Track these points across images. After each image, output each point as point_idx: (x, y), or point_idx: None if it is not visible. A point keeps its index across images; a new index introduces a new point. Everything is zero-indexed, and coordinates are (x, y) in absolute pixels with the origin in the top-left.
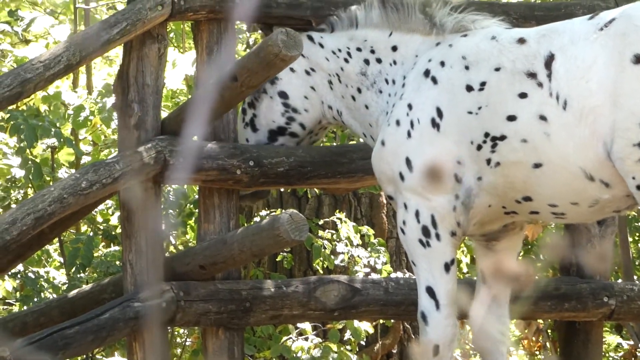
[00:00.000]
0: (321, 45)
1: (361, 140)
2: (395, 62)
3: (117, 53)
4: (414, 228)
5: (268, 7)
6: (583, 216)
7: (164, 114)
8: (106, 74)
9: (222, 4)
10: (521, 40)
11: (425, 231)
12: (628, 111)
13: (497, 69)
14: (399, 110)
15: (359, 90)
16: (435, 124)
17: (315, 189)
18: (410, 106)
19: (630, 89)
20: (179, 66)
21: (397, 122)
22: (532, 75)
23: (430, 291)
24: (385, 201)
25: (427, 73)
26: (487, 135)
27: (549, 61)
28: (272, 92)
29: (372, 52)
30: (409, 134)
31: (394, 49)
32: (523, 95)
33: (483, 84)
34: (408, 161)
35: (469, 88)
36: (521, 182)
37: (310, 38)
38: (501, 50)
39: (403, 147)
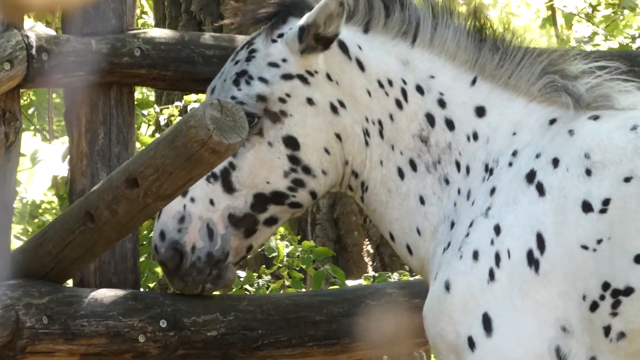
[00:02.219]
0: (360, 65)
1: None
2: (476, 136)
3: None
4: None
5: (190, 62)
6: None
7: (17, 242)
8: None
9: (112, 58)
10: None
11: None
12: None
13: (628, 179)
14: (480, 234)
15: (413, 166)
16: (532, 261)
17: None
18: (498, 229)
19: None
20: (44, 162)
21: (475, 255)
22: None
23: None
24: None
25: (531, 176)
26: (606, 286)
27: None
28: (272, 137)
29: (442, 104)
30: (491, 275)
31: (480, 112)
32: None
33: (607, 202)
34: (486, 320)
35: (587, 207)
36: None
37: (343, 46)
38: (637, 148)
39: (480, 296)
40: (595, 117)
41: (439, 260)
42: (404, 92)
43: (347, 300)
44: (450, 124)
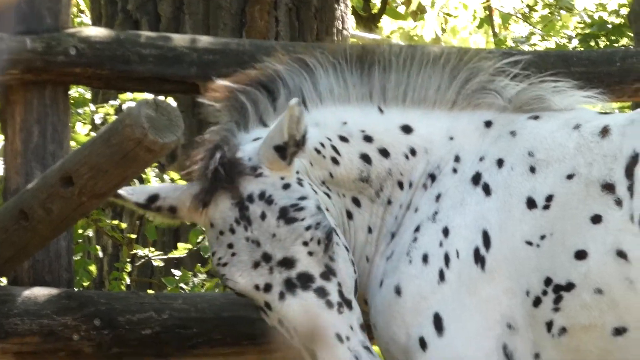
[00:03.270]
0: None
1: None
2: (413, 152)
3: None
4: None
5: (126, 62)
6: None
7: None
8: None
9: (47, 57)
10: (604, 132)
11: None
12: None
13: (570, 176)
14: (429, 238)
15: (356, 202)
16: (479, 258)
17: None
18: (446, 231)
19: None
20: None
21: (425, 258)
22: (608, 187)
23: None
24: None
25: (476, 179)
26: (548, 282)
27: (631, 165)
28: (337, 236)
29: (369, 139)
30: (441, 276)
31: (407, 129)
32: (596, 219)
33: (550, 198)
34: (437, 319)
35: (531, 203)
36: (594, 359)
37: None
38: (580, 146)
39: (431, 297)
40: (536, 117)
41: (382, 269)
42: (334, 148)
43: None
44: (384, 153)
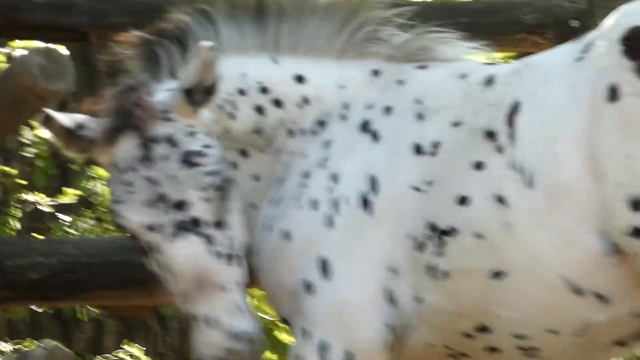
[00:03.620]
0: None
1: None
2: (307, 101)
3: None
4: None
5: (17, 10)
6: (566, 352)
7: None
8: None
9: None
10: (489, 81)
11: None
12: (613, 182)
13: (456, 124)
14: (318, 184)
15: (243, 153)
16: (367, 203)
17: (93, 309)
18: (336, 177)
19: (610, 143)
20: None
21: (314, 204)
22: (491, 134)
23: None
24: None
25: (365, 126)
26: (432, 227)
27: (513, 113)
28: (236, 195)
29: (265, 91)
30: (330, 222)
31: (300, 79)
32: (479, 166)
33: (437, 145)
34: (325, 264)
35: (418, 149)
36: (473, 302)
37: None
38: (466, 95)
39: (319, 242)
40: (423, 67)
41: (269, 213)
42: (233, 104)
43: None
44: (278, 103)
